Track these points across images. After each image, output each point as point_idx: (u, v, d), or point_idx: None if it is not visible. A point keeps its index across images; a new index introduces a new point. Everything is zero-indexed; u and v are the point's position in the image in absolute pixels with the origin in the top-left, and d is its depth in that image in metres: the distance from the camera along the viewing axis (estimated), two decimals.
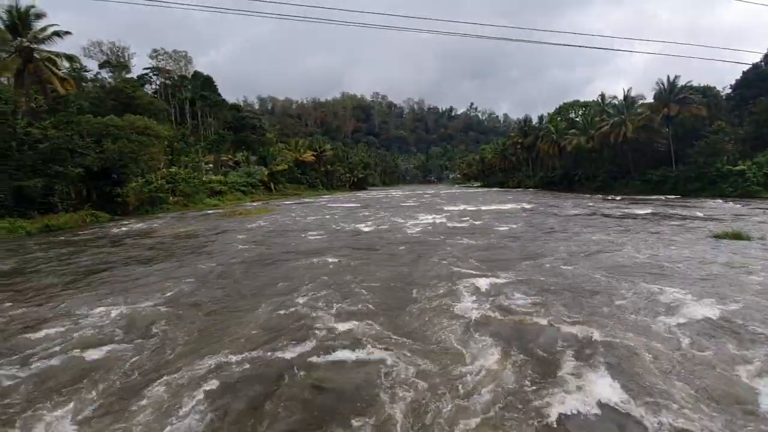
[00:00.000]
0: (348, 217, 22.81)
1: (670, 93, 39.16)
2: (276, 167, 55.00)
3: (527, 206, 26.95)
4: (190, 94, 58.72)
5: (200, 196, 35.71)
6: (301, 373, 4.43)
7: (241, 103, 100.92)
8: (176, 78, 61.18)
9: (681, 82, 39.35)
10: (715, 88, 45.92)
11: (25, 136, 21.42)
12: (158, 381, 4.29)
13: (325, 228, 17.73)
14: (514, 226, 16.69)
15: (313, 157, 67.00)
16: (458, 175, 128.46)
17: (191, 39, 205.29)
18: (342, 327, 5.72)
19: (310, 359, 4.74)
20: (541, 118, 69.69)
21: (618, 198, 33.28)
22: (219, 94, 63.93)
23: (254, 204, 38.13)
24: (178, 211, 29.88)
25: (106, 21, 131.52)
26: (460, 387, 4.06)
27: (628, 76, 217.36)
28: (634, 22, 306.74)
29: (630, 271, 8.30)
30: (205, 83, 60.79)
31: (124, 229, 19.55)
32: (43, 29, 26.54)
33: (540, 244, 12.09)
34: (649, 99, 45.39)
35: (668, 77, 39.76)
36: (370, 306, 6.62)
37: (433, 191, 64.86)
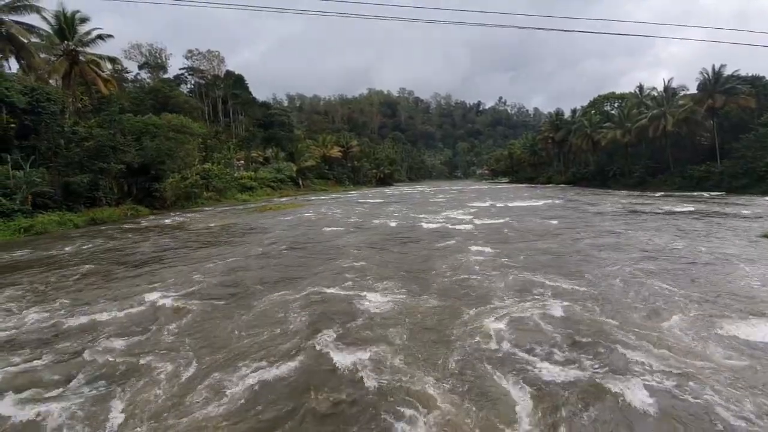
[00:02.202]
0: (375, 212, 22.97)
1: (716, 83, 36.94)
2: (304, 163, 55.93)
3: (558, 202, 26.25)
4: (223, 92, 60.55)
5: (232, 192, 36.86)
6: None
7: (271, 101, 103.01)
8: (209, 77, 63.17)
9: (727, 72, 37.02)
10: (765, 77, 42.95)
11: (72, 135, 22.76)
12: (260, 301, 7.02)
13: (354, 223, 17.95)
14: (551, 222, 16.33)
15: (339, 153, 67.65)
16: (485, 171, 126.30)
17: (224, 39, 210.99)
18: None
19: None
20: (573, 111, 67.30)
21: (657, 195, 31.75)
22: (250, 93, 65.56)
23: (283, 199, 38.96)
24: (212, 205, 30.97)
25: (145, 23, 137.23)
26: None
27: (668, 67, 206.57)
28: (676, 8, 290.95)
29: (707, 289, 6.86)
30: (236, 82, 62.48)
31: (167, 221, 20.77)
32: (88, 33, 28.03)
33: (581, 249, 10.57)
34: (692, 90, 43.01)
35: (713, 66, 37.53)
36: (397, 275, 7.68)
37: (459, 187, 64.16)
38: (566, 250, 10.59)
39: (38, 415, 3.74)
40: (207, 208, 28.75)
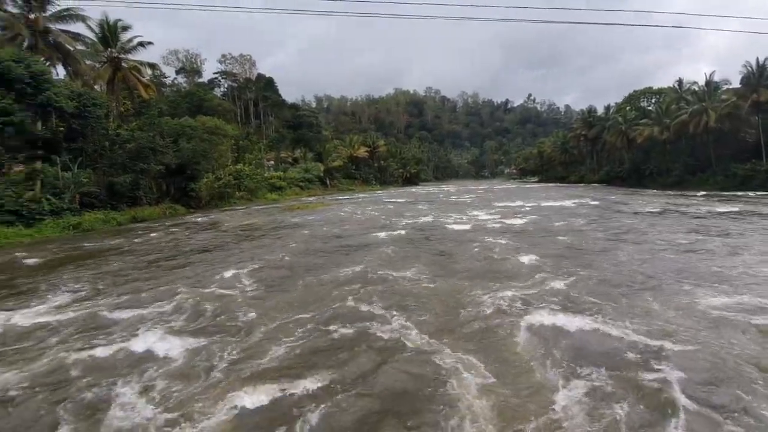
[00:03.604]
0: (401, 211, 23.06)
1: (760, 77, 34.79)
2: (331, 163, 56.73)
3: (592, 203, 25.46)
4: (254, 95, 62.31)
5: (262, 191, 37.90)
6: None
7: (300, 103, 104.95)
8: (241, 81, 65.18)
9: None
10: None
11: (116, 137, 24.08)
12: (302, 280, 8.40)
13: (382, 221, 18.15)
14: (580, 221, 15.94)
15: (366, 153, 68.14)
16: (514, 170, 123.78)
17: (256, 42, 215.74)
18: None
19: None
20: (607, 108, 64.94)
21: (698, 195, 30.20)
22: (279, 95, 67.12)
23: (311, 199, 39.70)
24: (243, 204, 31.97)
25: (182, 29, 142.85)
26: None
27: (709, 60, 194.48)
28: None
29: None
30: (267, 85, 64.14)
31: (205, 219, 21.90)
32: (129, 40, 29.57)
33: (619, 254, 9.86)
34: (735, 84, 40.65)
35: (757, 59, 35.34)
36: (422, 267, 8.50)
37: (486, 186, 63.29)
38: (606, 258, 9.82)
39: (167, 352, 5.08)
40: (239, 207, 29.71)
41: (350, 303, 6.69)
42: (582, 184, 56.89)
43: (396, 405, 3.86)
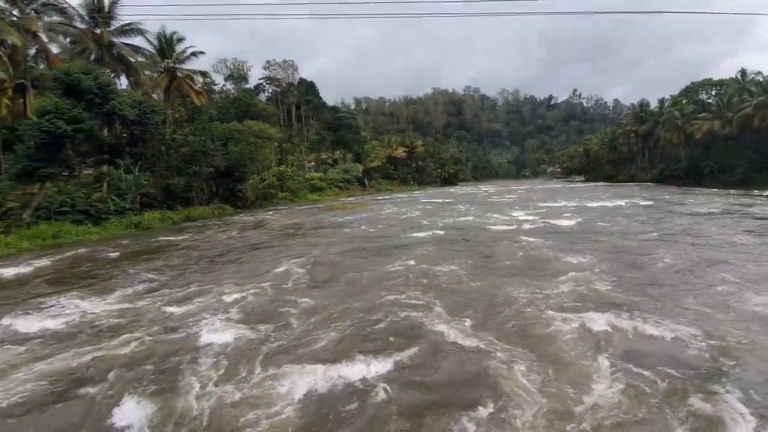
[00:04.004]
0: (440, 211, 22.98)
1: None
2: (370, 164, 57.36)
3: (644, 203, 24.09)
4: (296, 99, 64.36)
5: (303, 192, 39.03)
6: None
7: (339, 105, 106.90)
8: (284, 86, 67.53)
9: None
10: None
11: (171, 142, 25.75)
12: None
13: (420, 221, 18.24)
14: (634, 223, 15.21)
15: (404, 153, 68.24)
16: (557, 169, 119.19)
17: (298, 48, 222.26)
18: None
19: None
20: (661, 101, 60.92)
21: (766, 195, 27.59)
22: (320, 98, 68.90)
23: (350, 199, 40.38)
24: (286, 205, 33.11)
25: (230, 37, 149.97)
26: None
27: None
28: None
29: None
30: (308, 89, 66.04)
31: (253, 218, 23.07)
32: (183, 51, 31.51)
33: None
34: None
35: None
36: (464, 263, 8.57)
37: (527, 186, 61.47)
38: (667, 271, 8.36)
39: (243, 336, 5.66)
40: (282, 207, 30.83)
41: (393, 296, 7.08)
42: (632, 183, 53.85)
43: (447, 392, 4.02)
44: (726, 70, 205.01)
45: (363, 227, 17.29)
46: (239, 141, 30.02)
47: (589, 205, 23.87)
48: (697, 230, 12.93)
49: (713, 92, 53.27)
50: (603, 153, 75.87)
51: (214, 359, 4.92)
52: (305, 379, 4.31)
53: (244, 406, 3.89)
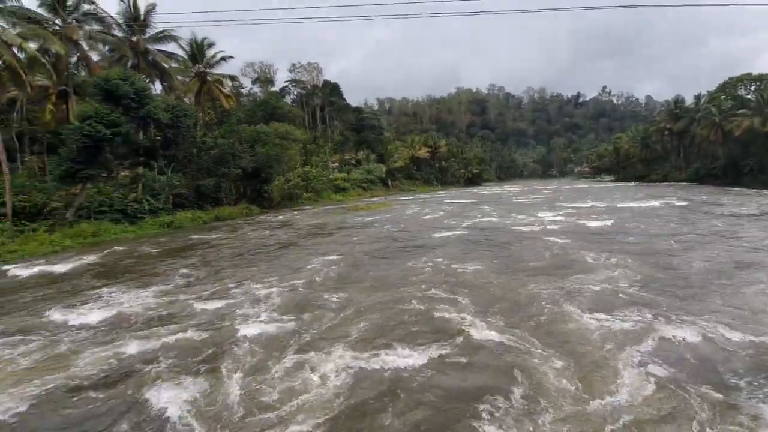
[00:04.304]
0: (463, 212, 22.80)
1: None
2: (393, 164, 57.42)
3: (680, 203, 23.08)
4: (320, 101, 65.19)
5: (327, 192, 39.51)
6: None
7: (363, 106, 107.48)
8: (309, 87, 68.55)
9: None
10: None
11: (202, 144, 26.63)
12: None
13: (444, 221, 18.19)
14: (672, 225, 14.66)
15: (427, 153, 67.92)
16: (586, 168, 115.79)
17: (323, 50, 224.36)
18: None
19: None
20: (697, 97, 58.19)
21: None
22: (344, 99, 69.45)
23: (374, 199, 40.55)
24: (311, 205, 33.61)
25: (257, 41, 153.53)
26: None
27: None
28: None
29: None
30: (332, 90, 66.70)
31: (280, 218, 23.79)
32: (213, 56, 32.47)
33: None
34: None
35: None
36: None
37: (554, 186, 60.06)
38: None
39: (278, 327, 6.07)
40: (307, 207, 31.32)
41: (419, 293, 7.38)
42: (666, 183, 51.73)
43: (475, 383, 4.10)
44: (766, 64, 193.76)
45: (388, 227, 17.49)
46: (266, 143, 30.68)
47: (618, 205, 23.12)
48: (734, 232, 12.32)
49: (752, 87, 50.45)
50: (634, 151, 73.11)
51: (251, 347, 5.32)
52: (338, 365, 4.59)
53: (280, 393, 4.13)
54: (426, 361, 4.63)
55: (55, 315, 6.91)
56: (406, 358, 4.70)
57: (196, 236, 17.05)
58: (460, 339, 5.19)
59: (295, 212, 27.28)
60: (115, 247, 14.57)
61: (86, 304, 7.56)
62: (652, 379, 4.02)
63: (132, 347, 5.38)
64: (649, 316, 5.63)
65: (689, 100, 59.81)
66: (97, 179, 20.43)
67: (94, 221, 18.34)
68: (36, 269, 10.98)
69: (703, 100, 56.37)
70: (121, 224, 19.21)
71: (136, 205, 20.82)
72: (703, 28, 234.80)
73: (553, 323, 5.59)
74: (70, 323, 6.50)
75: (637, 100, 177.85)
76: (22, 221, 16.56)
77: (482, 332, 5.37)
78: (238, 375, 4.55)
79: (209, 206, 25.21)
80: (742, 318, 5.48)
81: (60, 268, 11.11)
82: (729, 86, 54.10)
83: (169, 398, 4.11)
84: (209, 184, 25.18)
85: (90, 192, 19.82)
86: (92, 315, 6.84)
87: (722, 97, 52.27)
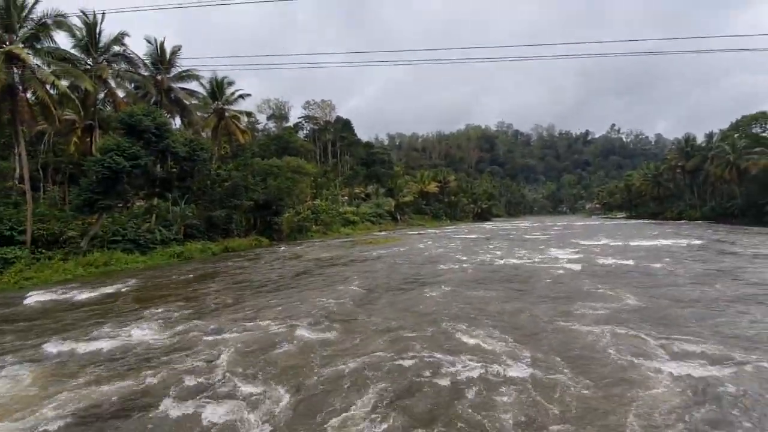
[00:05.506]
0: (472, 248, 22.61)
1: None
2: (402, 199, 57.88)
3: (698, 242, 22.54)
4: (332, 136, 67.16)
5: (336, 226, 39.72)
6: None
7: (373, 141, 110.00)
8: (322, 123, 70.87)
9: None
10: None
11: (216, 177, 27.28)
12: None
13: (453, 256, 18.00)
14: (696, 267, 14.32)
15: (436, 188, 68.53)
16: (596, 205, 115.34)
17: (338, 87, 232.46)
18: None
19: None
20: (709, 136, 58.52)
21: None
22: (355, 134, 71.50)
23: (383, 233, 40.58)
24: (319, 237, 33.71)
25: (273, 80, 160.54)
26: None
27: None
28: None
29: None
30: (344, 126, 68.91)
31: (288, 250, 23.66)
32: (232, 93, 33.91)
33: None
34: None
35: None
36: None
37: (564, 222, 59.57)
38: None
39: (302, 337, 7.07)
40: (316, 240, 31.40)
41: (429, 319, 8.04)
42: (682, 221, 51.03)
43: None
44: None
45: (396, 261, 17.45)
46: (278, 176, 31.35)
47: (631, 244, 22.70)
48: (755, 271, 11.96)
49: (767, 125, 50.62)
50: (646, 189, 72.83)
51: (292, 347, 6.58)
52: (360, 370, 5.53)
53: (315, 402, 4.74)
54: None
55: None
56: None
57: (212, 266, 17.11)
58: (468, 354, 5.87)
59: (305, 245, 27.33)
60: (128, 280, 14.61)
61: (131, 323, 8.38)
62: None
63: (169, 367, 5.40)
64: (671, 360, 5.39)
65: (700, 139, 60.09)
66: (114, 209, 20.89)
67: (107, 250, 18.59)
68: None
69: (715, 138, 56.55)
70: (133, 254, 19.40)
71: (149, 236, 21.11)
72: (716, 67, 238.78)
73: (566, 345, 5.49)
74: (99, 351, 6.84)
75: (647, 138, 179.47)
76: (40, 249, 16.88)
77: (487, 350, 6.07)
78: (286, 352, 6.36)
79: (219, 237, 25.45)
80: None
81: (83, 296, 11.53)
82: (743, 124, 54.33)
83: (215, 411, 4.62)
84: (220, 216, 25.56)
85: (105, 222, 20.23)
86: (135, 332, 7.61)
87: (736, 135, 52.36)
